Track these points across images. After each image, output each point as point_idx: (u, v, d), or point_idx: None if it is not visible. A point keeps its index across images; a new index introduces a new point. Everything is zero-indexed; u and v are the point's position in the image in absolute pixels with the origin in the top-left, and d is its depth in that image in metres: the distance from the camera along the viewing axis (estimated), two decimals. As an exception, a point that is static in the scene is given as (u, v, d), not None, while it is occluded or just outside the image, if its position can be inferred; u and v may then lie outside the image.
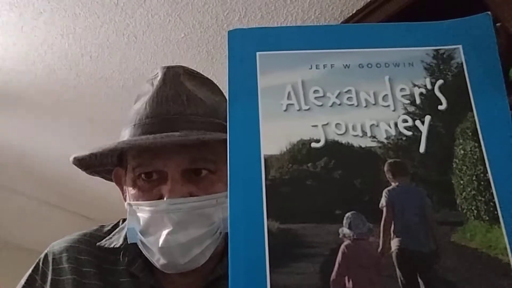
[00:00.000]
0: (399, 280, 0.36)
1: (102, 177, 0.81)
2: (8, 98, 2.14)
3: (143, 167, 0.69)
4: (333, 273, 0.36)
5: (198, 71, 0.79)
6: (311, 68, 0.42)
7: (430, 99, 0.41)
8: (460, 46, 0.42)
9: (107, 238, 0.75)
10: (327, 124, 0.40)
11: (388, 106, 0.41)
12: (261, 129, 0.40)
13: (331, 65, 0.43)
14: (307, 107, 0.41)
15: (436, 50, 0.43)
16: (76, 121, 2.29)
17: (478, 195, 0.38)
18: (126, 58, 1.91)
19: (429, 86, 0.41)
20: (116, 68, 1.96)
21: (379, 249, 0.37)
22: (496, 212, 0.37)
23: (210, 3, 1.66)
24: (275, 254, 0.36)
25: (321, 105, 0.41)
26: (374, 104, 0.41)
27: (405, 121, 0.40)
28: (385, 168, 0.39)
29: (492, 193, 0.38)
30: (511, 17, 1.19)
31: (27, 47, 1.85)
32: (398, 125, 0.40)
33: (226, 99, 0.77)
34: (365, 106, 0.41)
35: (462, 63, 0.42)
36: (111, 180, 0.80)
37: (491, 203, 0.37)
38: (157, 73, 0.75)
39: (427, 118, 0.40)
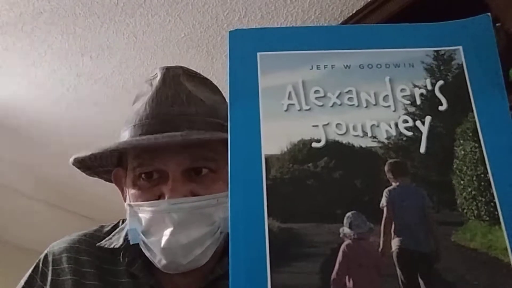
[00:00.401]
0: (399, 280, 0.36)
1: (101, 178, 0.81)
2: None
3: (144, 167, 0.69)
4: (334, 273, 0.36)
5: (198, 71, 0.79)
6: (311, 69, 0.43)
7: (430, 100, 0.41)
8: (460, 47, 0.43)
9: (107, 238, 0.75)
10: (327, 124, 0.40)
11: (388, 106, 0.41)
12: (262, 129, 0.40)
13: (332, 65, 0.43)
14: (307, 107, 0.41)
15: (437, 51, 0.43)
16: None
17: (478, 195, 0.38)
18: (126, 58, 1.91)
19: (429, 87, 0.41)
20: (116, 68, 1.96)
21: (380, 249, 0.37)
22: (496, 213, 0.37)
23: (210, 3, 1.66)
24: (276, 253, 0.36)
25: (322, 105, 0.41)
26: (374, 105, 0.41)
27: (406, 121, 0.40)
28: (386, 168, 0.39)
29: (492, 193, 0.38)
30: (511, 17, 1.19)
31: (27, 47, 1.85)
32: (399, 126, 0.40)
33: (225, 99, 0.78)
34: (366, 107, 0.41)
35: (462, 64, 0.42)
36: (110, 181, 0.80)
37: (491, 204, 0.37)
38: (156, 73, 0.75)
39: (428, 118, 0.40)
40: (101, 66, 1.95)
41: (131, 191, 0.71)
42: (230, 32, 0.44)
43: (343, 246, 0.37)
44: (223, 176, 0.69)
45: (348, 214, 0.37)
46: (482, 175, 0.38)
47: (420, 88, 0.42)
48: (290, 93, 0.42)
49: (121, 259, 0.72)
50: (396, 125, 0.40)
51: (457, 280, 0.36)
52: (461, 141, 0.40)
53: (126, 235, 0.71)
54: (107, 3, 1.66)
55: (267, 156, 0.39)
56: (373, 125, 0.40)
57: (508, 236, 0.36)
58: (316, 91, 0.42)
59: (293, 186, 0.39)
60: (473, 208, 0.37)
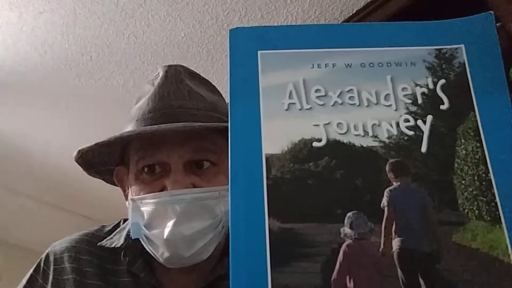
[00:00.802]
0: (400, 280, 0.36)
1: (102, 179, 0.81)
2: (8, 98, 2.14)
3: (146, 159, 0.69)
4: (334, 273, 0.36)
5: (198, 71, 0.81)
6: (312, 67, 0.42)
7: (432, 99, 0.41)
8: (462, 46, 0.42)
9: (108, 238, 0.75)
10: (328, 123, 0.40)
11: (390, 105, 0.41)
12: (263, 128, 0.40)
13: (333, 64, 0.42)
14: (308, 106, 0.41)
15: (438, 50, 0.43)
16: (76, 121, 2.29)
17: (479, 195, 0.38)
18: (126, 58, 1.91)
19: (431, 86, 0.41)
20: (116, 68, 1.96)
21: (381, 249, 0.37)
22: (497, 213, 0.37)
23: (210, 3, 1.66)
24: (276, 253, 0.36)
25: (323, 105, 0.41)
26: (376, 104, 0.41)
27: (407, 120, 0.40)
28: (387, 168, 0.39)
29: (493, 193, 0.38)
30: (511, 17, 1.19)
31: (27, 47, 1.85)
32: (400, 125, 0.40)
33: (224, 99, 0.78)
34: (367, 106, 0.41)
35: (464, 63, 0.42)
36: (111, 182, 0.80)
37: (493, 203, 0.37)
38: (158, 72, 0.77)
39: (429, 117, 0.40)
40: (101, 66, 1.95)
41: (133, 186, 0.71)
42: (230, 30, 0.44)
43: (343, 246, 0.37)
44: (224, 170, 0.69)
45: (349, 214, 0.37)
46: (484, 175, 0.38)
47: (421, 87, 0.41)
48: (291, 92, 0.42)
49: (122, 259, 0.72)
50: (398, 124, 0.40)
51: (458, 280, 0.35)
52: (463, 141, 0.39)
53: (127, 234, 0.72)
54: (107, 3, 1.66)
55: (268, 155, 0.39)
56: (374, 124, 0.40)
57: (509, 236, 0.36)
58: (317, 90, 0.42)
59: (294, 186, 0.39)
60: (474, 208, 0.37)
